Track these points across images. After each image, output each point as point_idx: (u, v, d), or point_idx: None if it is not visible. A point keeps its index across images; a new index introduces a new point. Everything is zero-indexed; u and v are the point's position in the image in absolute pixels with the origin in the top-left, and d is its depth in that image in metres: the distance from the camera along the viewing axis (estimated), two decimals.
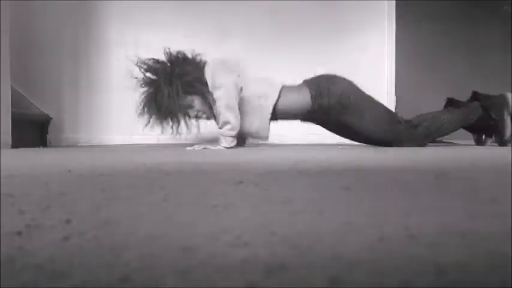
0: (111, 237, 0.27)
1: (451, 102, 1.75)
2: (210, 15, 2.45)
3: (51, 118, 2.35)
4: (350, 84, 1.65)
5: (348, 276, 0.20)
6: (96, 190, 0.47)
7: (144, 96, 1.56)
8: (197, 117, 1.65)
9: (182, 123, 1.64)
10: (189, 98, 1.58)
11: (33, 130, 2.24)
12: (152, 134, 2.41)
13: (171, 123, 1.60)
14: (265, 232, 0.28)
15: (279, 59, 2.43)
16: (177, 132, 1.62)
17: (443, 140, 2.50)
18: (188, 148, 1.51)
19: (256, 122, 1.64)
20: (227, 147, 1.51)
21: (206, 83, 1.57)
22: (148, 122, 1.57)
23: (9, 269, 0.21)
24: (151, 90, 1.54)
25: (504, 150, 1.30)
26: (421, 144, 1.64)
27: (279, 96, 1.62)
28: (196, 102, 1.60)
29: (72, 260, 0.23)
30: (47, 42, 2.36)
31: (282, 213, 0.33)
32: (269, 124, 1.65)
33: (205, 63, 1.62)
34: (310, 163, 0.82)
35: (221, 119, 1.51)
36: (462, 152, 1.22)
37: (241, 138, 1.74)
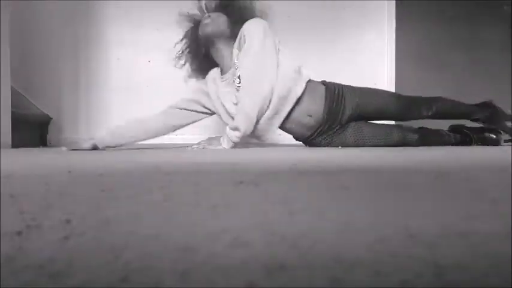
0: (111, 237, 0.27)
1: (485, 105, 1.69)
2: None
3: (51, 118, 2.35)
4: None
5: (348, 277, 0.20)
6: (96, 190, 0.47)
7: (183, 46, 1.70)
8: None
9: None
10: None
11: (33, 130, 2.24)
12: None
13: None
14: (265, 232, 0.28)
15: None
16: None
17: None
18: (187, 148, 1.51)
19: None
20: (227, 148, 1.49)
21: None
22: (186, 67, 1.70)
23: (9, 269, 0.21)
24: (187, 45, 1.69)
25: (504, 150, 1.30)
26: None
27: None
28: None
29: (72, 260, 0.23)
30: (47, 42, 2.36)
31: (282, 213, 0.33)
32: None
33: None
34: (310, 163, 0.82)
35: (234, 122, 1.46)
36: (462, 152, 1.22)
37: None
